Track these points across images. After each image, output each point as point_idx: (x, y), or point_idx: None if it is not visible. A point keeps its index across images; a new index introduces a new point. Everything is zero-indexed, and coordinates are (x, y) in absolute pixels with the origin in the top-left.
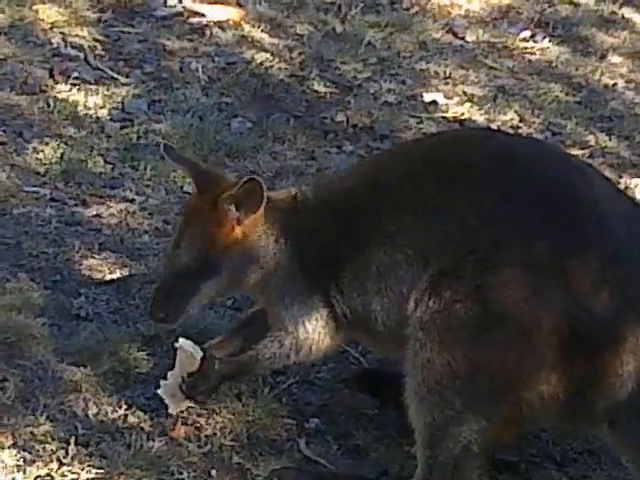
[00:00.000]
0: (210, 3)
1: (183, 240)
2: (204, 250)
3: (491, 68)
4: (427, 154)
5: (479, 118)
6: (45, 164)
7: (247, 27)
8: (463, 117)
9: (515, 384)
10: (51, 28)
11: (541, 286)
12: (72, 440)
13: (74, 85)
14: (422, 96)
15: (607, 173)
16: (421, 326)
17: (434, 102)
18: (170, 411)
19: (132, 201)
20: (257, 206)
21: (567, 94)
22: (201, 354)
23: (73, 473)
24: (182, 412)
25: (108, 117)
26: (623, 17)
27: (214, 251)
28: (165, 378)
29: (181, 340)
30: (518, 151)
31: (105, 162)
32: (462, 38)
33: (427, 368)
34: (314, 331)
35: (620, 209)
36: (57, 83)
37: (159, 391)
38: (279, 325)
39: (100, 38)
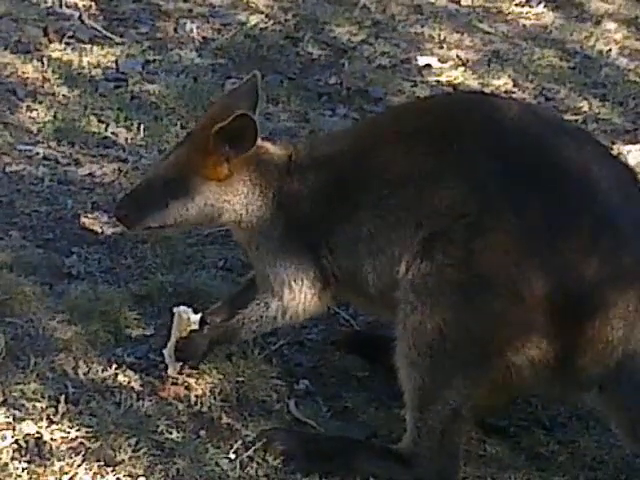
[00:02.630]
0: None
1: (170, 156)
2: (184, 171)
3: (485, 33)
4: (420, 117)
5: (473, 82)
6: (38, 123)
7: None
8: (457, 81)
9: (505, 348)
10: None
11: (533, 251)
12: (62, 398)
13: (68, 44)
14: (416, 60)
15: (600, 139)
16: (412, 289)
17: (428, 66)
18: (169, 372)
19: (125, 161)
20: (248, 145)
21: (561, 60)
22: (197, 319)
23: (63, 431)
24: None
25: (102, 77)
26: None
27: (193, 176)
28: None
29: (180, 307)
30: (511, 115)
31: (98, 121)
32: (457, 2)
33: (418, 331)
34: (300, 292)
35: (613, 174)
36: (51, 42)
37: (164, 351)
38: (266, 286)
39: None
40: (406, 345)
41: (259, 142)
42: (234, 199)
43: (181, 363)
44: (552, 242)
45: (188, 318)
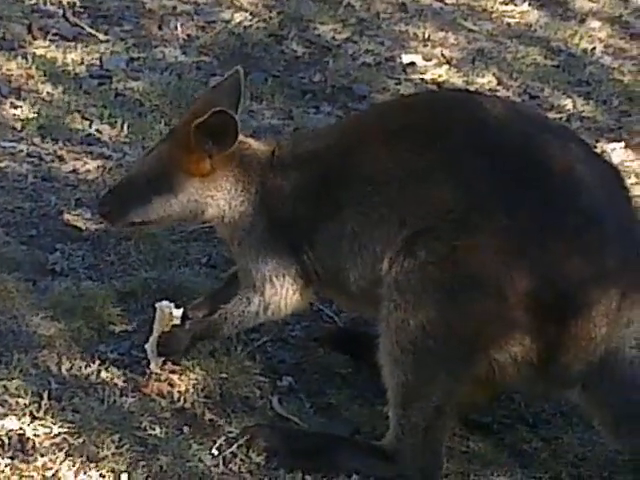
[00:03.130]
0: None
1: (153, 152)
2: (167, 167)
3: (470, 31)
4: (403, 115)
5: (457, 80)
6: (22, 120)
7: None
8: (441, 79)
9: (488, 346)
10: None
11: (516, 249)
12: (45, 395)
13: (52, 41)
14: (400, 57)
15: (584, 137)
16: (395, 286)
17: (412, 64)
18: (151, 367)
19: (109, 158)
20: (229, 142)
21: (545, 58)
22: (179, 314)
23: (46, 427)
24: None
25: (86, 73)
26: None
27: (176, 172)
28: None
29: (162, 302)
30: (495, 113)
31: (82, 118)
32: (441, 0)
33: (401, 328)
34: (282, 287)
35: (597, 173)
36: (35, 39)
37: (146, 346)
38: (248, 281)
39: None
40: (389, 342)
41: (242, 138)
42: (217, 195)
43: (163, 358)
44: (535, 240)
45: (170, 313)
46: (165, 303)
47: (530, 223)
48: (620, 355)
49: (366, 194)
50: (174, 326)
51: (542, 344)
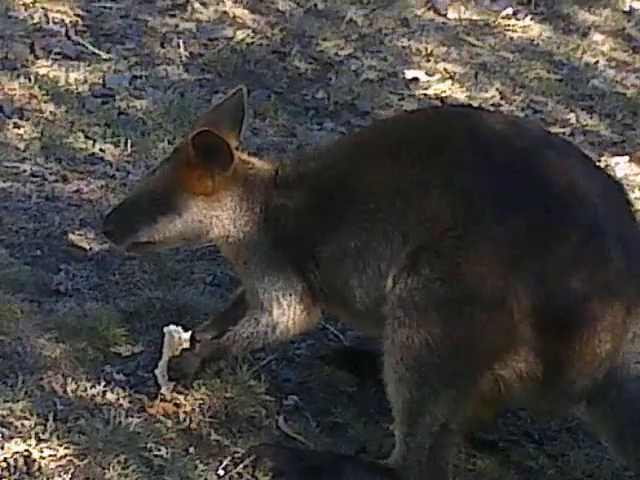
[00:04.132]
0: None
1: (158, 170)
2: (172, 187)
3: (473, 45)
4: (405, 131)
5: (460, 96)
6: (25, 139)
7: (229, 3)
8: (444, 94)
9: (493, 362)
10: (33, 3)
11: (519, 264)
12: (50, 416)
13: (55, 60)
14: (403, 73)
15: (588, 151)
16: (400, 304)
17: (415, 79)
18: (162, 392)
19: (112, 177)
20: (225, 162)
21: (548, 72)
22: (188, 337)
23: (51, 449)
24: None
25: (89, 93)
26: None
27: (181, 191)
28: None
29: (170, 326)
30: (496, 128)
31: (86, 138)
32: (444, 15)
33: (406, 346)
34: (289, 307)
35: (599, 187)
36: (38, 58)
37: (156, 371)
38: (255, 302)
39: (82, 13)
40: (394, 360)
41: (245, 157)
42: (222, 214)
43: (174, 382)
44: (539, 255)
45: (179, 337)
46: (173, 327)
47: (532, 238)
48: (626, 370)
49: (369, 211)
50: (183, 350)
51: (547, 360)
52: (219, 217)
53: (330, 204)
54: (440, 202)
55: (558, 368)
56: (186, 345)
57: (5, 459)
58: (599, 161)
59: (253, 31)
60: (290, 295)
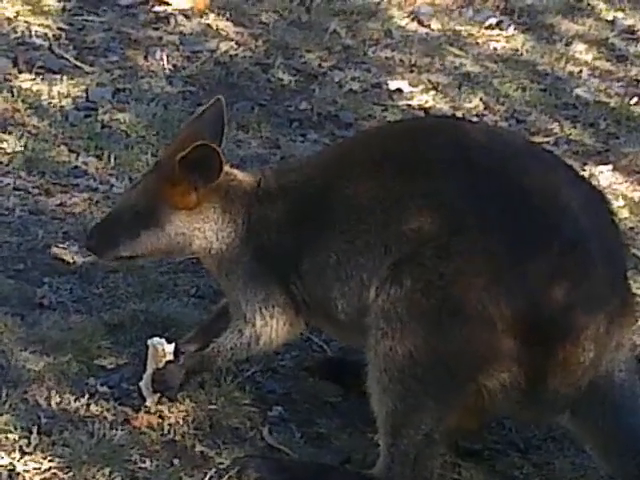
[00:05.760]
0: None
1: (140, 184)
2: (154, 201)
3: (456, 56)
4: (387, 143)
5: (444, 106)
6: (9, 153)
7: (212, 15)
8: (428, 105)
9: (476, 372)
10: (15, 17)
11: (502, 275)
12: (34, 429)
13: (38, 74)
14: (387, 84)
15: (572, 161)
16: (382, 315)
17: (399, 90)
18: (147, 404)
19: (96, 190)
20: (214, 175)
21: (532, 82)
22: (172, 350)
23: (36, 462)
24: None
25: (72, 106)
26: (588, 4)
27: (163, 206)
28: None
29: (153, 338)
30: (478, 139)
31: (69, 151)
32: (427, 26)
33: (389, 357)
34: (272, 318)
35: (582, 197)
36: (21, 72)
37: (140, 384)
38: (238, 313)
39: (64, 27)
40: (377, 371)
41: (227, 169)
42: (205, 227)
43: (159, 395)
44: (521, 265)
45: (163, 349)
46: (157, 340)
47: (514, 248)
48: (609, 379)
49: (350, 222)
50: (167, 362)
51: (530, 369)
52: (201, 230)
53: (312, 216)
54: (422, 214)
55: (542, 378)
56: (170, 357)
57: None
58: (583, 170)
59: (236, 43)
60: (273, 307)
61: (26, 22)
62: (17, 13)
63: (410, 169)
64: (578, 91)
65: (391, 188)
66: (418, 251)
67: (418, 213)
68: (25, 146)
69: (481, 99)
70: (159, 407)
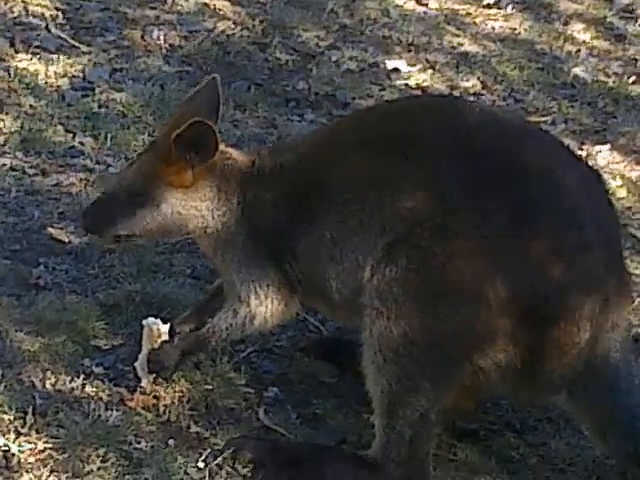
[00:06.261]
0: None
1: (136, 163)
2: (150, 179)
3: (454, 35)
4: (383, 122)
5: (441, 85)
6: (5, 133)
7: None
8: (425, 84)
9: (472, 353)
10: None
11: (497, 254)
12: (29, 410)
13: (35, 54)
14: (384, 63)
15: (569, 140)
16: (377, 295)
17: (396, 69)
18: (142, 385)
19: (92, 170)
20: (210, 153)
21: (530, 61)
22: (167, 330)
23: (31, 443)
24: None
25: (69, 86)
26: None
27: (159, 184)
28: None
29: (149, 319)
30: (474, 119)
31: (65, 131)
32: (425, 5)
33: (384, 337)
34: (267, 298)
35: (578, 176)
36: (18, 52)
37: (136, 364)
38: (233, 293)
39: (61, 7)
40: (372, 351)
41: (223, 148)
42: (201, 205)
43: (154, 375)
44: (517, 245)
45: (158, 329)
46: (152, 320)
47: (511, 228)
48: (605, 359)
49: (345, 202)
50: (163, 342)
51: (526, 349)
52: (197, 208)
53: (307, 195)
54: (417, 194)
55: (537, 358)
56: (165, 338)
57: None
58: (581, 149)
59: (234, 22)
60: (268, 286)
61: (23, 2)
62: None
63: (406, 149)
64: (576, 70)
65: (386, 168)
66: (413, 231)
67: (413, 193)
68: (21, 126)
69: (479, 78)
70: (154, 388)
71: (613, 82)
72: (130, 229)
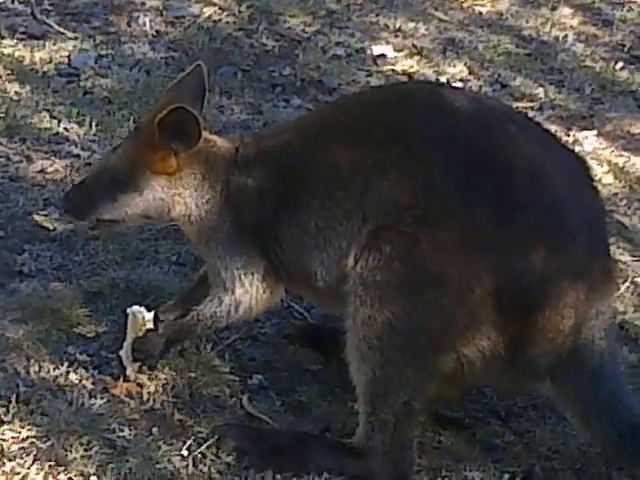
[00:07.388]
0: None
1: (119, 148)
2: (133, 165)
3: (441, 21)
4: (367, 109)
5: (428, 71)
6: None
7: None
8: (412, 70)
9: (455, 340)
10: None
11: (481, 242)
12: (13, 398)
13: (20, 40)
14: (371, 49)
15: (556, 126)
16: (361, 282)
17: (383, 55)
18: (127, 373)
19: (77, 157)
20: (193, 139)
21: (517, 46)
22: (151, 318)
23: (14, 431)
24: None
25: (54, 72)
26: None
27: (142, 170)
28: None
29: (133, 307)
30: (458, 106)
31: (51, 117)
32: None
33: (367, 325)
34: (251, 285)
35: (563, 164)
36: (3, 38)
37: (120, 352)
38: (217, 281)
39: None
40: (356, 338)
41: (207, 135)
42: (184, 192)
43: (139, 363)
44: (501, 233)
45: (143, 317)
46: (136, 308)
47: (494, 216)
48: (589, 347)
49: (329, 189)
50: (147, 330)
51: (509, 337)
52: (181, 195)
53: (290, 182)
54: (401, 181)
55: (521, 345)
56: (150, 325)
57: None
58: (568, 135)
59: (220, 8)
60: (252, 274)
61: None
62: None
63: (390, 136)
64: (563, 56)
65: (371, 155)
66: (397, 219)
67: (398, 181)
68: (6, 112)
69: (465, 64)
70: (138, 376)
71: (600, 68)
72: (112, 214)
